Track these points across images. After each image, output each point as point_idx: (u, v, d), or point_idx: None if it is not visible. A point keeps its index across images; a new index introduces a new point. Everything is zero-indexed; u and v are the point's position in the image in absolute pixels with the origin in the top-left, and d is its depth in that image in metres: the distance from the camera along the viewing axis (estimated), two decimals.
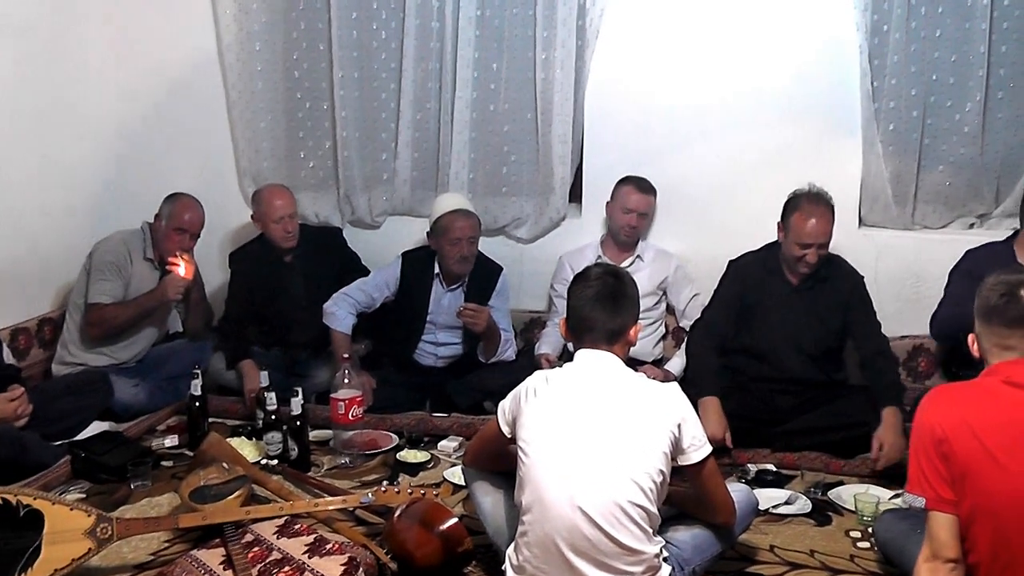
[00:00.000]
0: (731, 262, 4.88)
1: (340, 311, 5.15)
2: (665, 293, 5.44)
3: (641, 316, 4.47)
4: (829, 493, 4.10)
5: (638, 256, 5.38)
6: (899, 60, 5.12)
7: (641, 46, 5.45)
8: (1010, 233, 4.70)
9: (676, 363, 5.15)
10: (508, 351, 5.24)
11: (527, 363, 4.97)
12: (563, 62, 5.45)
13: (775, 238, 4.70)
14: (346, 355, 4.79)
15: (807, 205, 4.53)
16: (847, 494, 4.05)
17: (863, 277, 4.74)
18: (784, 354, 4.70)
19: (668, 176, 5.46)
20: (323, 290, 5.28)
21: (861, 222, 5.39)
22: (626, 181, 5.36)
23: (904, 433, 4.13)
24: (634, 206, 5.30)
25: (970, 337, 2.82)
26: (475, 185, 5.78)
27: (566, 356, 5.00)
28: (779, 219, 4.64)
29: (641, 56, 5.46)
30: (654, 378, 3.45)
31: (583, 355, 3.10)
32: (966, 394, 2.74)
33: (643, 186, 5.33)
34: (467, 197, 5.49)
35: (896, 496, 3.98)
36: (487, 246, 5.44)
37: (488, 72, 5.64)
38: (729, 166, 5.45)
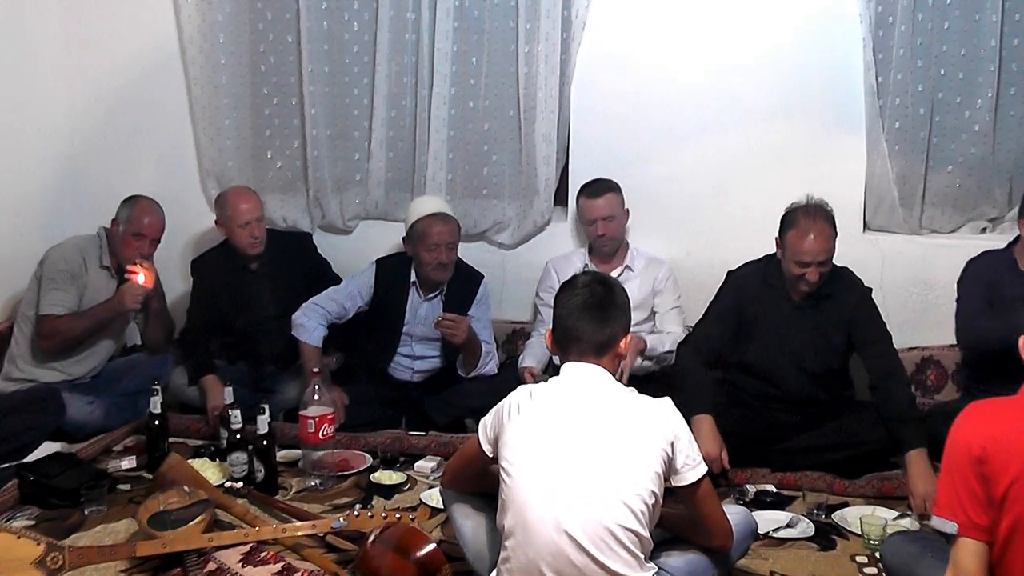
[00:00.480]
0: (730, 273, 4.85)
1: (310, 322, 5.13)
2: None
3: (632, 328, 4.46)
4: (833, 515, 4.10)
5: (627, 267, 5.34)
6: (905, 54, 5.13)
7: (631, 39, 5.45)
8: (1010, 239, 4.74)
9: (651, 338, 5.07)
10: (489, 364, 5.23)
11: (510, 377, 4.94)
12: (547, 56, 5.44)
13: (772, 241, 4.65)
14: (316, 369, 4.78)
15: (804, 221, 4.45)
16: (852, 516, 4.05)
17: (870, 289, 4.70)
18: (785, 373, 4.68)
19: (660, 177, 5.49)
20: (291, 299, 5.26)
21: (865, 226, 5.40)
22: (580, 192, 5.38)
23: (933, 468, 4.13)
24: (595, 214, 5.26)
25: (1021, 340, 2.77)
26: (454, 187, 5.77)
27: (552, 370, 4.98)
28: (776, 235, 4.59)
29: (631, 49, 5.46)
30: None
31: (570, 368, 3.09)
32: (1008, 409, 2.68)
33: (596, 190, 5.30)
34: (445, 200, 5.48)
35: (901, 517, 3.98)
36: (467, 252, 5.42)
37: (467, 66, 5.63)
38: (725, 166, 5.46)
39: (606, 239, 5.28)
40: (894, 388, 4.47)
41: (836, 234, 4.49)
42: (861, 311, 4.61)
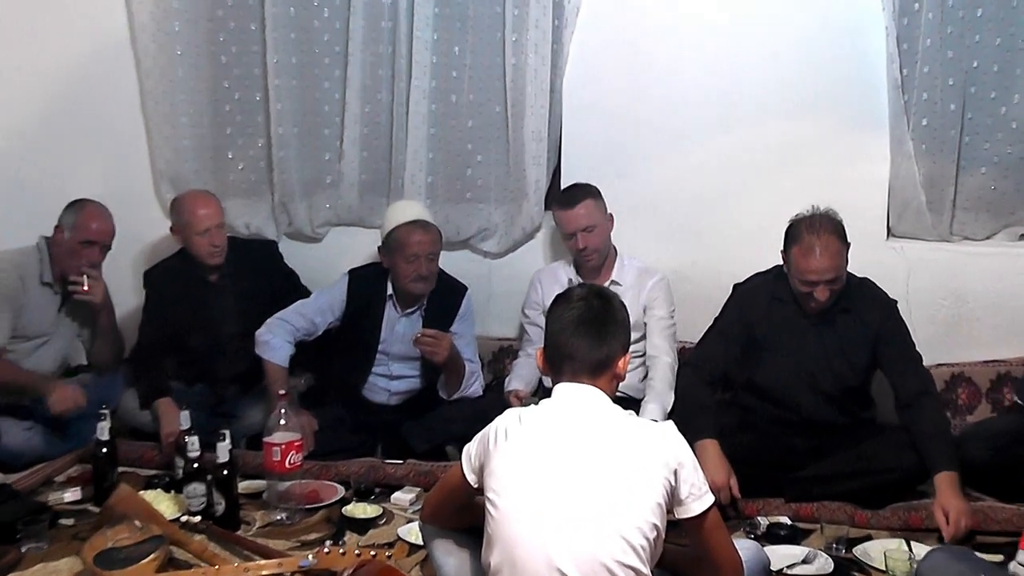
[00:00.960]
0: (736, 286, 4.86)
1: (275, 339, 5.13)
2: None
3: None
4: (854, 550, 4.07)
5: (614, 281, 5.28)
6: (933, 44, 5.12)
7: (629, 27, 5.47)
8: None
9: (653, 409, 4.92)
10: (474, 386, 5.24)
11: (496, 400, 4.97)
12: (537, 45, 5.46)
13: (780, 257, 4.66)
14: (282, 391, 4.73)
15: (807, 236, 4.43)
16: (875, 551, 4.02)
17: (896, 302, 4.70)
18: (800, 395, 4.68)
19: (662, 179, 5.51)
20: (255, 314, 5.26)
21: (889, 233, 5.40)
22: (553, 203, 5.39)
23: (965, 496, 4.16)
24: (572, 226, 5.22)
25: None
26: (434, 190, 5.78)
27: (542, 393, 4.98)
28: (781, 249, 4.59)
29: (629, 38, 5.48)
30: None
31: (563, 390, 3.08)
32: None
33: (570, 198, 5.26)
34: (425, 205, 5.50)
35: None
36: (449, 262, 5.44)
37: (449, 57, 5.65)
38: (734, 167, 5.46)
39: (589, 252, 5.23)
40: (927, 405, 4.46)
41: (848, 246, 4.48)
42: (888, 327, 4.60)
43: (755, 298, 4.75)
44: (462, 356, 5.16)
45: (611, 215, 5.32)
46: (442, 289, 5.27)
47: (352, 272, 5.36)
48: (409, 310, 5.24)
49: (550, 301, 3.25)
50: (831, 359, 4.63)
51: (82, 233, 5.14)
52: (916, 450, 4.38)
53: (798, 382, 4.66)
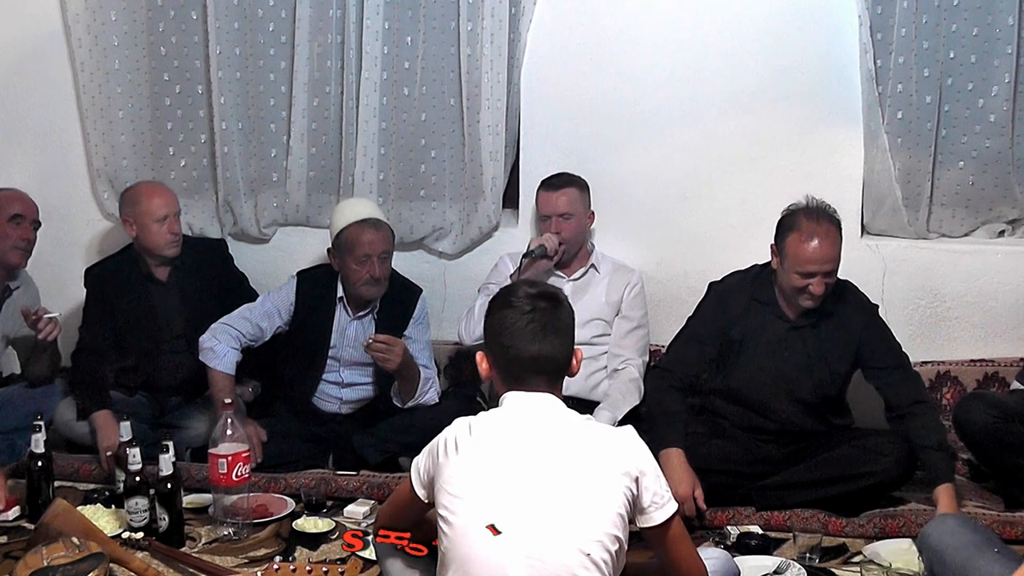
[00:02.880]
0: (711, 285, 4.87)
1: (221, 346, 5.11)
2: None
3: (594, 342, 4.48)
4: (863, 550, 4.12)
5: (592, 266, 5.36)
6: (908, 34, 5.18)
7: (590, 15, 5.49)
8: None
9: (604, 416, 4.95)
10: (429, 393, 5.22)
11: (452, 407, 4.90)
12: (493, 34, 5.48)
13: (756, 248, 4.69)
14: (228, 400, 4.71)
15: (807, 224, 4.44)
16: (887, 551, 4.07)
17: (877, 307, 4.75)
18: (775, 401, 4.70)
19: (626, 175, 5.54)
20: (202, 317, 5.25)
21: (864, 231, 5.47)
22: (539, 185, 5.40)
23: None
24: (549, 209, 5.29)
25: None
26: (386, 188, 5.79)
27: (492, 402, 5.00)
28: (772, 242, 4.60)
29: (591, 27, 5.50)
30: None
31: (514, 398, 3.08)
32: None
33: (556, 183, 5.33)
34: (377, 203, 5.50)
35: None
36: (402, 263, 5.45)
37: (401, 47, 5.65)
38: (701, 162, 5.50)
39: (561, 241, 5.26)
40: (927, 413, 4.51)
41: (842, 240, 4.50)
42: (871, 334, 4.64)
43: (733, 298, 4.76)
44: (416, 362, 5.13)
45: (592, 213, 5.39)
46: (395, 291, 5.27)
47: (301, 274, 5.36)
48: (361, 313, 5.24)
49: None
50: (811, 366, 4.66)
51: (8, 210, 5.13)
52: (908, 457, 4.44)
53: (775, 389, 4.69)
